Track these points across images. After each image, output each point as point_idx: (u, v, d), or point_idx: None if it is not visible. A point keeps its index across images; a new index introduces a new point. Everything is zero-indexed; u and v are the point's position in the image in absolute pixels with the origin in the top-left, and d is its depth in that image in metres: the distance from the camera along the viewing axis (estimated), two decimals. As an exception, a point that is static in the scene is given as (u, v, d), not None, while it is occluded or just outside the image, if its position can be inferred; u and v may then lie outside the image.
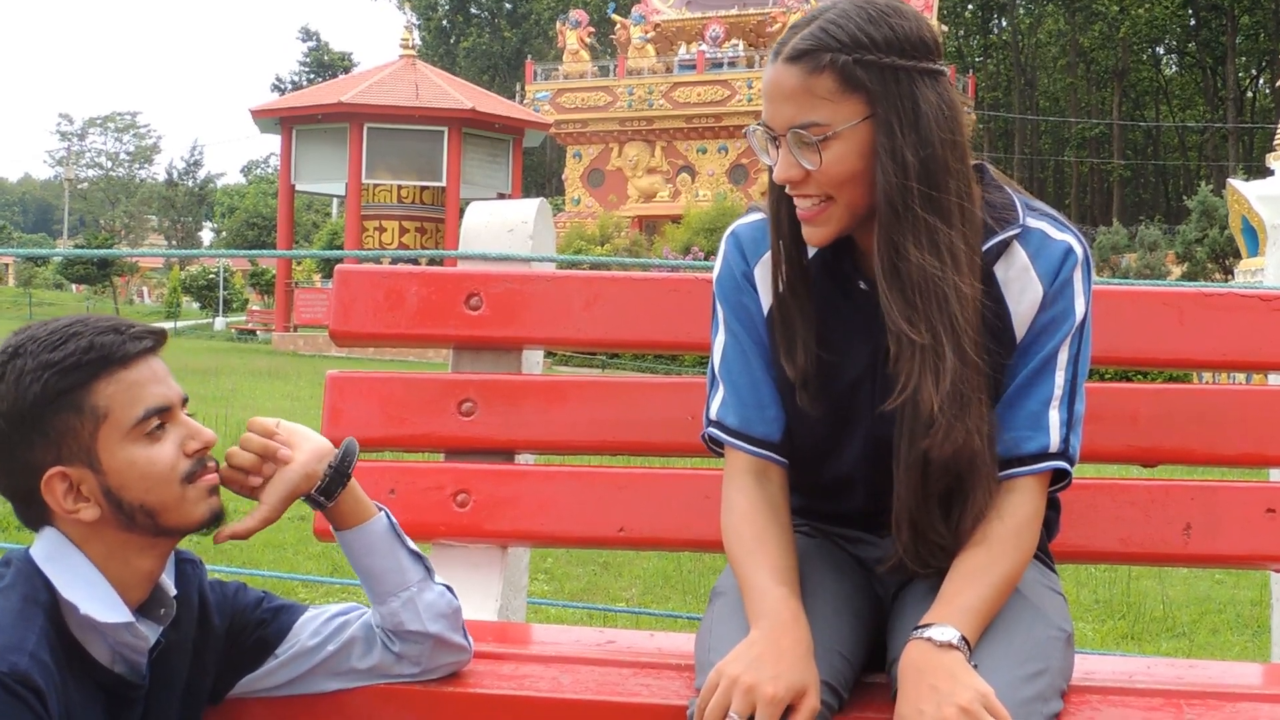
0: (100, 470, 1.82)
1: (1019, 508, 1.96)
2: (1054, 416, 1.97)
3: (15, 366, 1.81)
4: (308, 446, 1.98)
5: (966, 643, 1.82)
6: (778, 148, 1.93)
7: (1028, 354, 1.98)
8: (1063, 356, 1.98)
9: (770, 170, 2.00)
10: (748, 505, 2.04)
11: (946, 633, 1.82)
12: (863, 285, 2.02)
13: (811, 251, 2.04)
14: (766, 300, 2.07)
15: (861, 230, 1.98)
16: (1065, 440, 1.98)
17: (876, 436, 2.01)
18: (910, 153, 1.86)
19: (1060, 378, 1.98)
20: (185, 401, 1.91)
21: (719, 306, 2.13)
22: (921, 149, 1.87)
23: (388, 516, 2.06)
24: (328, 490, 1.98)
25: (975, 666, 1.79)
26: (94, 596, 1.81)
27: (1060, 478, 2.02)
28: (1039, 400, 1.97)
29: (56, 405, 1.80)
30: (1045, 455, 1.97)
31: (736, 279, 2.11)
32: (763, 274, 2.08)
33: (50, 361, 1.80)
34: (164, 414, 1.86)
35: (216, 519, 1.91)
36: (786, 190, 1.96)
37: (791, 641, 1.84)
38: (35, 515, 1.87)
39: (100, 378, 1.81)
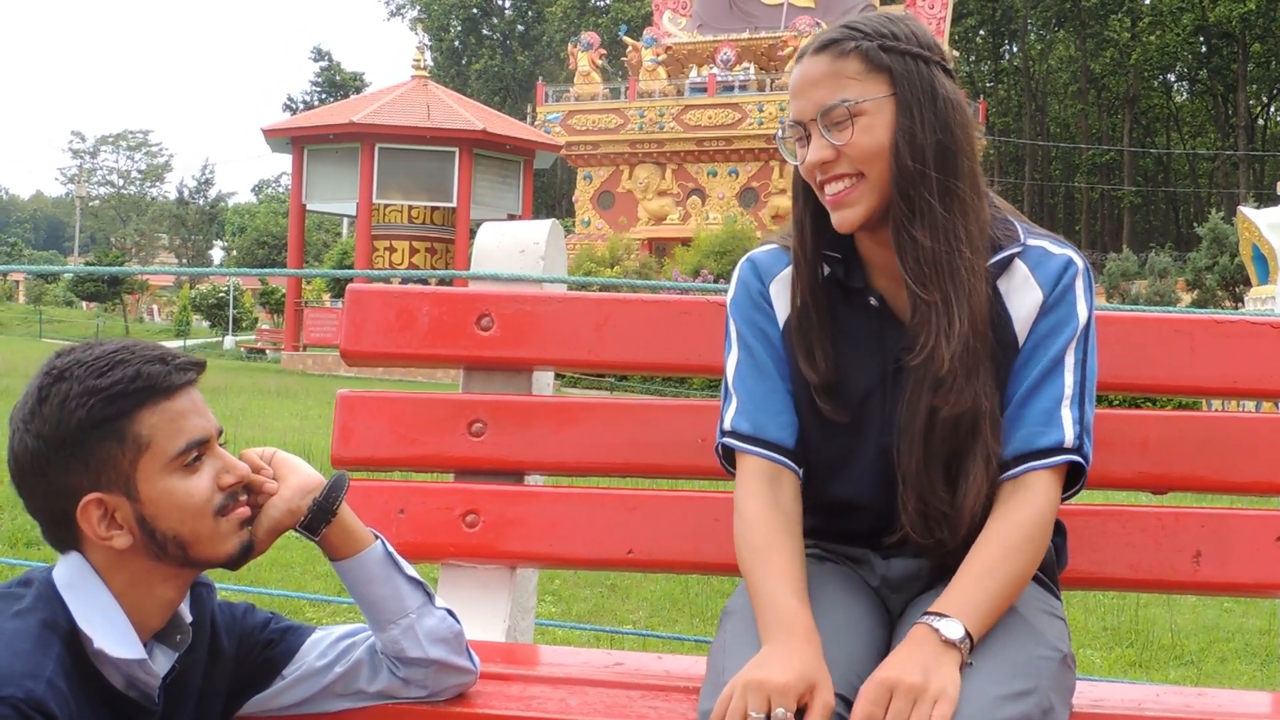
0: (137, 499, 1.82)
1: (1033, 503, 1.98)
2: (1067, 414, 2.01)
3: (60, 390, 1.80)
4: (294, 481, 1.97)
5: (970, 639, 1.85)
6: (806, 144, 2.05)
7: (1034, 356, 2.03)
8: (1070, 359, 2.03)
9: (794, 183, 2.13)
10: (759, 512, 2.06)
11: (954, 629, 1.85)
12: (873, 301, 2.10)
13: (825, 273, 2.12)
14: (783, 315, 2.15)
15: (872, 243, 2.07)
16: (1080, 438, 2.01)
17: (886, 446, 2.06)
18: (928, 135, 1.99)
19: (1070, 378, 2.02)
20: (220, 433, 1.91)
21: (733, 325, 2.19)
22: (939, 131, 1.99)
23: (384, 545, 2.06)
24: (311, 526, 1.98)
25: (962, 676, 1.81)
26: (109, 630, 1.81)
27: (1074, 479, 2.05)
28: (1051, 398, 2.01)
29: (100, 432, 1.79)
30: (1061, 449, 2.00)
31: (752, 297, 2.18)
32: (778, 290, 2.16)
33: (96, 388, 1.79)
34: (203, 446, 1.86)
35: (246, 553, 1.92)
36: (818, 178, 2.04)
37: (802, 644, 1.86)
38: (64, 537, 1.86)
39: (144, 407, 1.81)
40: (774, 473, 2.09)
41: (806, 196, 2.11)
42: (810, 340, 2.10)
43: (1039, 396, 2.01)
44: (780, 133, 2.09)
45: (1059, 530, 2.20)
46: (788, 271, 2.15)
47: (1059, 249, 2.08)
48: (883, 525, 2.08)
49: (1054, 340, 2.02)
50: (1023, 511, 1.97)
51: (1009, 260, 2.06)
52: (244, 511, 1.91)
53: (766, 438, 2.10)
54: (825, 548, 2.16)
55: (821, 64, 2.02)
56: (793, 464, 2.10)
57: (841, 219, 2.03)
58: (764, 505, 2.07)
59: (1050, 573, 2.15)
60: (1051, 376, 2.02)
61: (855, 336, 2.10)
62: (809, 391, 2.10)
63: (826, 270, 2.12)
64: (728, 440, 2.13)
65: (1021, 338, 2.04)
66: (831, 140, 2.00)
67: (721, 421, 2.16)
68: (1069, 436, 2.00)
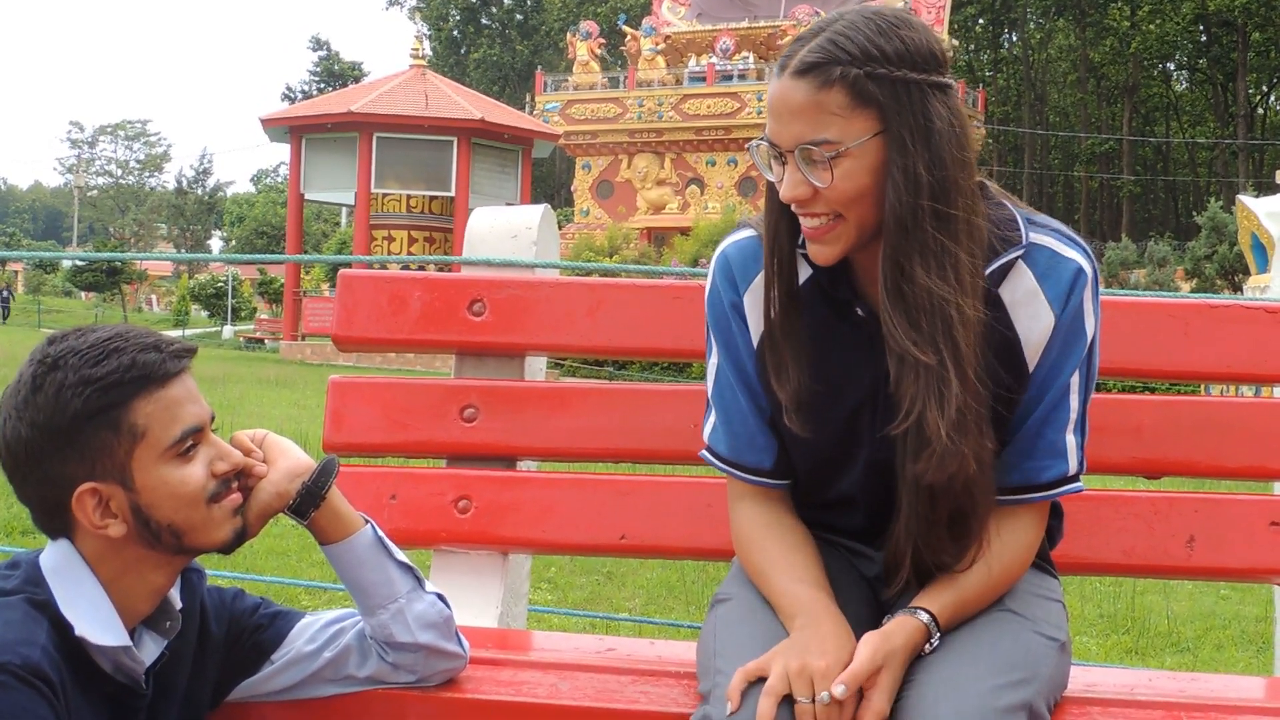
0: (132, 488, 1.81)
1: (1023, 532, 1.99)
2: (1071, 441, 1.98)
3: (55, 379, 1.78)
4: (283, 465, 1.96)
5: (936, 623, 1.87)
6: (783, 164, 1.87)
7: (1044, 385, 1.95)
8: (1075, 381, 1.96)
9: (768, 189, 1.96)
10: (751, 526, 2.07)
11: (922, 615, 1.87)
12: (860, 312, 1.97)
13: (805, 275, 1.99)
14: (757, 328, 2.03)
15: (862, 254, 1.94)
16: (1080, 463, 2.00)
17: (877, 461, 1.99)
18: (923, 169, 1.80)
19: (1075, 401, 1.97)
20: (213, 419, 1.90)
21: (710, 330, 2.11)
22: (934, 166, 1.81)
23: (374, 529, 2.05)
24: (300, 510, 1.97)
25: (953, 672, 1.80)
26: (93, 617, 1.80)
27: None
28: (1057, 429, 1.97)
29: (95, 422, 1.78)
30: (1063, 481, 1.99)
31: (725, 309, 2.06)
32: (753, 301, 2.03)
33: (91, 377, 1.78)
34: (197, 434, 1.85)
35: (239, 539, 1.91)
36: (794, 209, 1.90)
37: (831, 626, 1.86)
38: (56, 525, 1.85)
39: (140, 396, 1.80)
40: (760, 491, 2.10)
41: (781, 203, 1.93)
42: (782, 357, 1.97)
43: (1047, 428, 1.96)
44: (755, 142, 1.90)
45: (1054, 511, 2.17)
46: (760, 280, 2.01)
47: (1067, 249, 1.94)
48: (876, 522, 2.04)
49: (1063, 366, 1.94)
50: (1013, 539, 1.98)
51: (1011, 264, 1.92)
52: (236, 498, 1.90)
53: (744, 463, 2.09)
54: (822, 536, 2.14)
55: (802, 91, 1.81)
56: (775, 480, 2.09)
57: (818, 254, 1.90)
58: (754, 521, 2.07)
59: (1045, 554, 2.14)
60: (1059, 406, 1.96)
61: (843, 348, 1.98)
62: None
63: (809, 272, 1.99)
64: (708, 455, 2.13)
65: (1031, 364, 1.94)
66: (810, 179, 1.83)
67: (703, 429, 2.14)
68: (1071, 466, 1.99)
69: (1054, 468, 1.98)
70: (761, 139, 1.89)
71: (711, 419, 2.12)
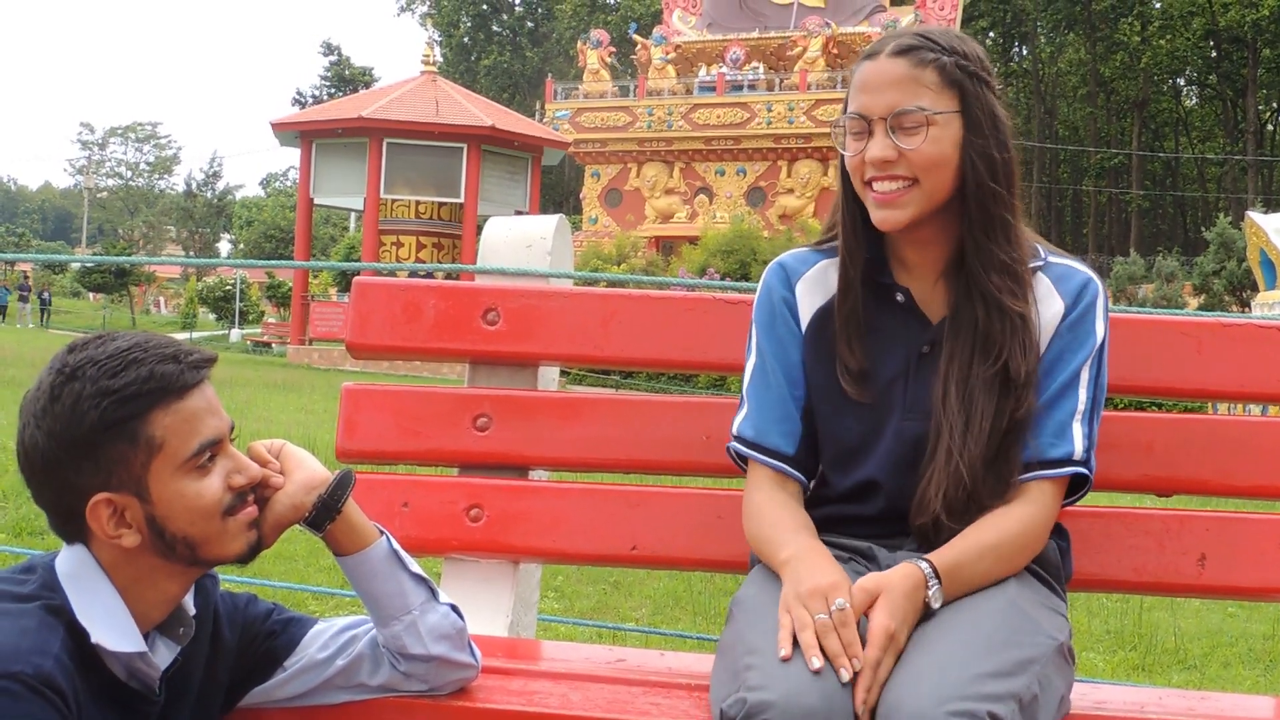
0: (148, 500, 1.81)
1: (1034, 510, 2.09)
2: (1078, 429, 2.12)
3: (72, 390, 1.78)
4: (299, 477, 1.96)
5: (935, 573, 1.98)
6: (861, 139, 2.13)
7: (1053, 370, 2.13)
8: (1085, 375, 2.14)
9: (842, 178, 2.21)
10: (765, 499, 2.19)
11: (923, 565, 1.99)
12: (900, 297, 2.20)
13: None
14: (808, 312, 2.25)
15: (906, 242, 2.19)
16: (1087, 452, 2.13)
17: (904, 431, 2.15)
18: (994, 150, 2.12)
19: (1084, 394, 2.13)
20: (232, 429, 1.90)
21: (753, 332, 2.28)
22: (1000, 149, 2.13)
23: (389, 541, 2.06)
24: (315, 522, 1.97)
25: (943, 654, 1.85)
26: (109, 624, 1.80)
27: (1078, 487, 2.16)
28: (1065, 412, 2.12)
29: (112, 434, 1.77)
30: (1069, 461, 2.11)
31: (774, 304, 2.26)
32: (805, 288, 2.26)
33: (109, 389, 1.77)
34: (215, 446, 1.85)
35: (254, 551, 1.91)
36: (868, 174, 2.13)
37: (819, 556, 2.02)
38: (71, 531, 1.85)
39: (157, 408, 1.79)
40: (778, 478, 2.21)
41: (853, 192, 2.19)
42: (850, 328, 2.19)
43: (1055, 409, 2.12)
44: (840, 119, 2.16)
45: (1063, 534, 2.24)
46: (815, 270, 2.26)
47: (1080, 267, 2.20)
48: (899, 507, 2.14)
49: (1073, 356, 2.14)
50: (1023, 518, 2.08)
51: (1031, 272, 2.16)
52: (252, 511, 1.90)
53: (768, 445, 2.22)
54: (833, 543, 2.16)
55: (900, 67, 2.10)
56: (794, 470, 2.22)
57: (885, 218, 2.13)
58: (768, 496, 2.19)
59: (1055, 574, 2.18)
60: (1068, 391, 2.13)
61: (882, 329, 2.20)
62: (829, 382, 2.19)
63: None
64: (734, 445, 2.26)
65: (1044, 342, 2.15)
66: (899, 143, 2.09)
67: (733, 424, 2.27)
68: (1078, 450, 2.11)
69: (1060, 446, 2.12)
70: (842, 119, 2.17)
71: (744, 410, 2.26)
